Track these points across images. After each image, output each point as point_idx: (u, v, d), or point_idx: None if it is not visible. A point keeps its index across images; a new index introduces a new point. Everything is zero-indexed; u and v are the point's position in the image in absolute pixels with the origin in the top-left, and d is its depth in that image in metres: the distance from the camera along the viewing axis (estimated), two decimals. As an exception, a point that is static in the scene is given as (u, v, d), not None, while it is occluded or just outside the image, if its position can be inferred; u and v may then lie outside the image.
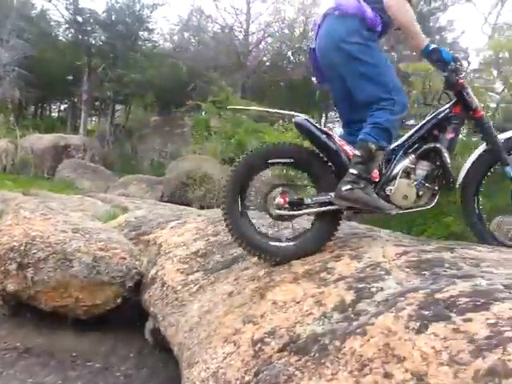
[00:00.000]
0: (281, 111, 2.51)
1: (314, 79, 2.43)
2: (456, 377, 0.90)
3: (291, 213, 2.09)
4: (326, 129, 2.17)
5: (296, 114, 2.20)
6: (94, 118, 21.73)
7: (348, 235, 2.40)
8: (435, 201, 2.13)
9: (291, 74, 19.42)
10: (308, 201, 2.10)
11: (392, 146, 2.15)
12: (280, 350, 1.35)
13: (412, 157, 2.10)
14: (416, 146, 2.12)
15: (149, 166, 13.01)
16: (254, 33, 18.01)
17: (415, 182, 2.06)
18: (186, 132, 13.20)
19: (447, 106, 2.15)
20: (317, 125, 2.16)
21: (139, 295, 2.78)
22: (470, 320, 1.05)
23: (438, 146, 2.07)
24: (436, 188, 2.10)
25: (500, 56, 12.58)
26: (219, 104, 11.01)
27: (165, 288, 2.46)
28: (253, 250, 2.08)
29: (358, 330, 1.22)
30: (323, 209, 2.09)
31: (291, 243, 2.11)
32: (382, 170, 2.11)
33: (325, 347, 1.25)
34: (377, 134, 1.97)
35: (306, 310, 1.53)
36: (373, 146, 1.96)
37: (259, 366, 1.34)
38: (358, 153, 1.98)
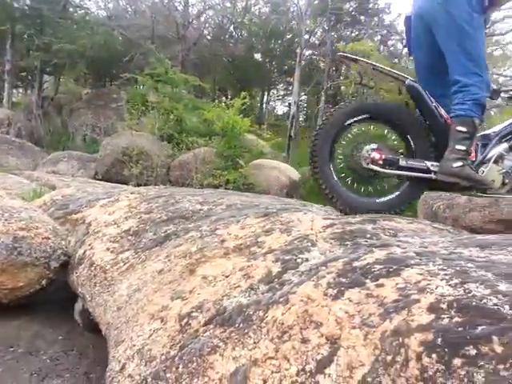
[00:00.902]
0: (393, 70, 2.37)
1: (406, 50, 2.46)
2: (366, 338, 0.95)
3: (383, 170, 2.13)
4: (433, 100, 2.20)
5: (407, 76, 2.22)
6: (19, 90, 20.04)
7: (281, 210, 2.44)
8: None
9: (233, 49, 19.14)
10: (403, 163, 2.14)
11: (489, 131, 2.25)
12: (206, 324, 1.35)
13: (505, 145, 2.17)
14: (511, 136, 2.19)
15: (81, 143, 12.29)
16: (194, 4, 17.42)
17: (503, 170, 2.14)
18: (121, 106, 12.60)
19: None
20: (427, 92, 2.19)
21: (67, 276, 2.65)
22: (382, 285, 1.11)
23: None
24: None
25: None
26: (157, 77, 10.60)
27: (93, 268, 2.37)
28: (335, 198, 2.18)
29: (280, 299, 1.25)
30: (417, 175, 2.15)
31: (373, 200, 2.19)
32: (478, 151, 2.19)
33: (249, 318, 1.26)
34: (478, 110, 2.02)
35: (234, 283, 1.54)
36: (477, 122, 2.03)
37: (185, 340, 1.34)
38: (463, 129, 2.00)
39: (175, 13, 16.44)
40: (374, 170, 2.15)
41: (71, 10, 15.18)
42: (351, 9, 17.88)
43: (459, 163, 2.01)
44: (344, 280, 1.21)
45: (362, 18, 19.55)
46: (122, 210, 2.94)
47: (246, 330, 1.22)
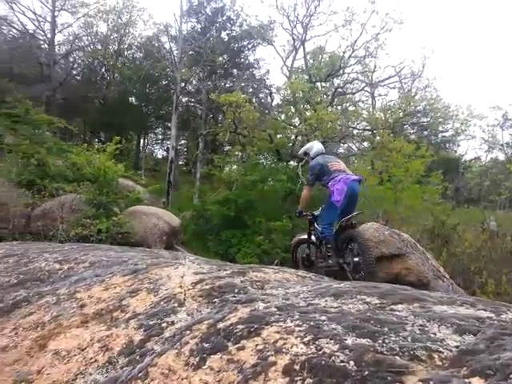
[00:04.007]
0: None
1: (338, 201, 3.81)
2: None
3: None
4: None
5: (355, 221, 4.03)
6: None
7: (151, 266, 2.33)
8: None
9: (106, 92, 18.59)
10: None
11: None
12: (53, 413, 1.17)
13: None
14: None
15: None
16: (61, 43, 16.56)
17: None
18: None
19: None
20: None
21: None
22: (242, 348, 1.11)
23: None
24: None
25: (296, 95, 14.67)
26: (15, 118, 9.60)
27: None
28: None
29: (139, 374, 1.15)
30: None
31: None
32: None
33: (104, 400, 1.14)
34: None
35: (91, 358, 1.39)
36: None
37: None
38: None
39: (38, 51, 15.40)
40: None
41: None
42: (224, 62, 18.98)
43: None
44: (207, 345, 1.18)
45: (235, 71, 20.94)
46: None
47: (100, 416, 1.09)
